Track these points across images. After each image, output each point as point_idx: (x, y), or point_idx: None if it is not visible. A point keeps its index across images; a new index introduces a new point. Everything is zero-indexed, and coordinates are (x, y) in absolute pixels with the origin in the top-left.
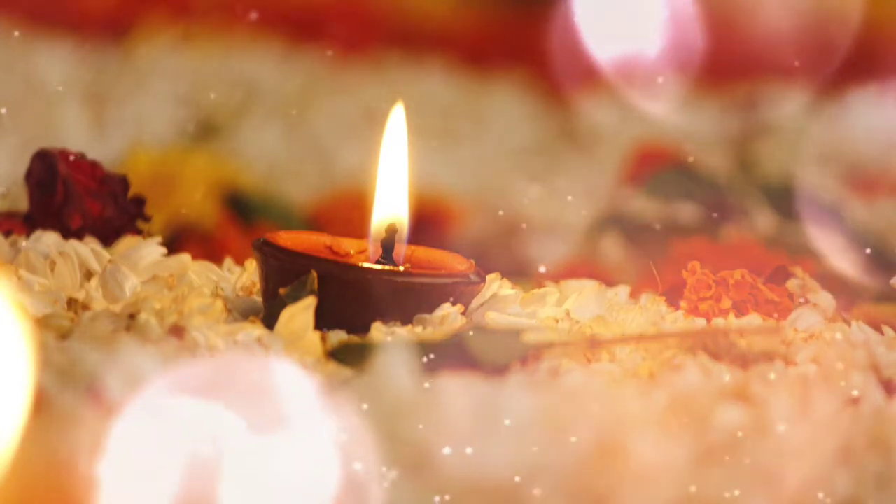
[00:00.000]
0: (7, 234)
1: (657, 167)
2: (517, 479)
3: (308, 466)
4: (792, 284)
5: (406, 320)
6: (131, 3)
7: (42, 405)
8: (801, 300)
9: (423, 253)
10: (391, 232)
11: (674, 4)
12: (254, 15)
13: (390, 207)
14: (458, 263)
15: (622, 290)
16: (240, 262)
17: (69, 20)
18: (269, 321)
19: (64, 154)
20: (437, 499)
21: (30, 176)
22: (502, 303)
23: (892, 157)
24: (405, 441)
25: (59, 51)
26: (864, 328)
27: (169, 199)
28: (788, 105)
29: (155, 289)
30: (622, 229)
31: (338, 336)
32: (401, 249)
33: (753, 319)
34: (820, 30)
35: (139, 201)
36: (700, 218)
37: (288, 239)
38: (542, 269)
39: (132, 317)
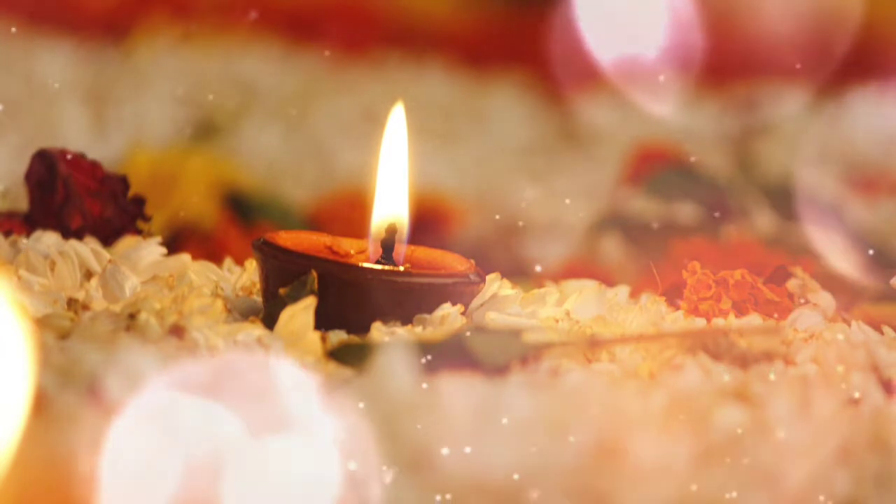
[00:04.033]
0: (7, 234)
1: (657, 167)
2: (517, 479)
3: (309, 467)
4: (792, 284)
5: (406, 320)
6: (131, 3)
7: (42, 405)
8: (801, 300)
9: (423, 253)
10: (391, 232)
11: (674, 4)
12: (254, 15)
13: (390, 207)
14: (458, 263)
15: (622, 290)
16: (240, 262)
17: (69, 20)
18: (269, 321)
19: (64, 154)
20: (437, 498)
21: (30, 176)
22: (502, 303)
23: (892, 157)
24: (405, 441)
25: (59, 51)
26: (864, 328)
27: (169, 199)
28: (788, 105)
29: (155, 289)
30: (622, 229)
31: (338, 336)
32: (401, 249)
33: (753, 319)
34: (820, 30)
35: (139, 201)
36: (700, 218)
37: (288, 239)
38: (538, 269)
39: (132, 317)
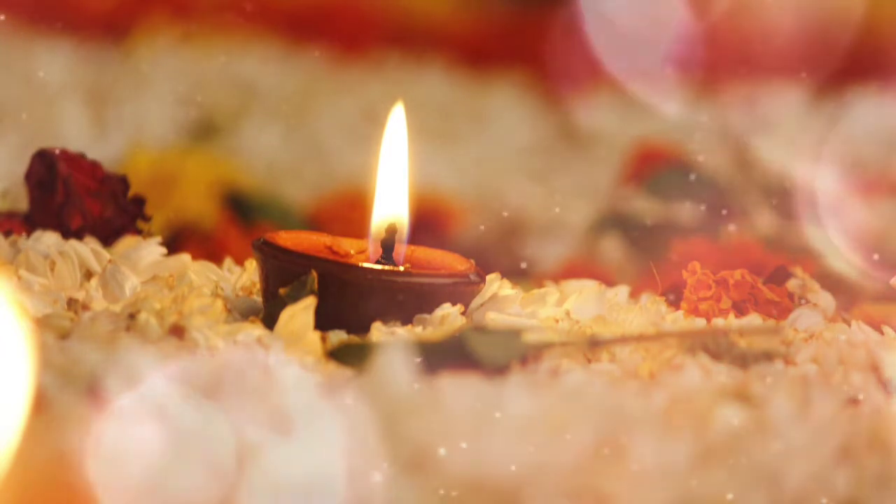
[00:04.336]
0: (7, 234)
1: (657, 167)
2: (517, 478)
3: (309, 467)
4: (792, 284)
5: (406, 320)
6: (131, 3)
7: (42, 405)
8: (801, 300)
9: (423, 253)
10: (391, 232)
11: (674, 4)
12: (252, 12)
13: (390, 207)
14: (458, 263)
15: (622, 290)
16: (240, 262)
17: (69, 20)
18: (269, 321)
19: (64, 154)
20: (436, 498)
21: (30, 176)
22: (502, 303)
23: (892, 157)
24: (405, 441)
25: (59, 51)
26: (864, 328)
27: (169, 199)
28: (788, 105)
29: (155, 289)
30: (622, 229)
31: (338, 336)
32: (401, 249)
33: (753, 319)
34: (820, 30)
35: (139, 201)
36: (700, 218)
37: (288, 239)
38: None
39: (132, 317)
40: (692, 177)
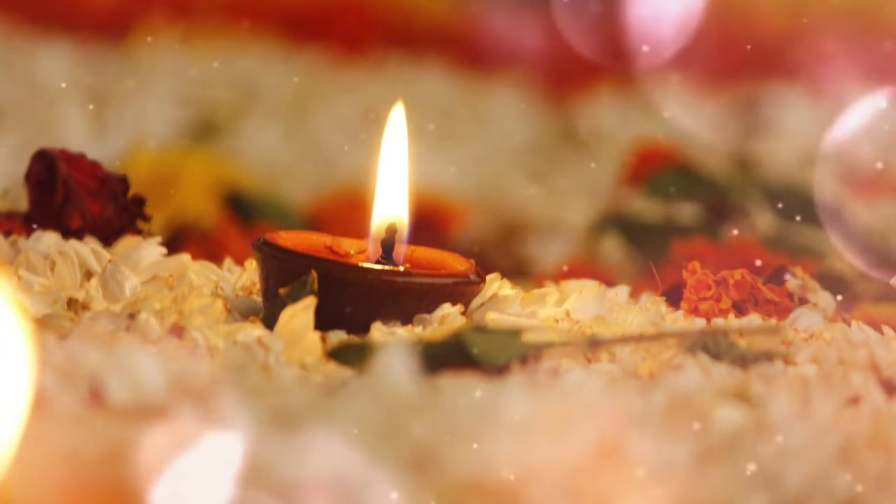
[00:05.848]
0: (7, 234)
1: (657, 167)
2: (517, 478)
3: (307, 467)
4: (792, 284)
5: (406, 320)
6: (131, 3)
7: (42, 405)
8: (801, 300)
9: (423, 253)
10: (391, 232)
11: (675, 4)
12: (252, 12)
13: (390, 207)
14: (458, 263)
15: (622, 290)
16: (240, 262)
17: (69, 20)
18: (269, 321)
19: (64, 154)
20: (436, 498)
21: (30, 176)
22: (502, 303)
23: (892, 157)
24: (405, 441)
25: (59, 51)
26: (864, 328)
27: (169, 199)
28: (788, 105)
29: (155, 289)
30: (622, 229)
31: (338, 336)
32: (401, 249)
33: (753, 319)
34: (821, 29)
35: (139, 201)
36: (700, 218)
37: (288, 239)
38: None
39: (132, 317)
40: (692, 177)
